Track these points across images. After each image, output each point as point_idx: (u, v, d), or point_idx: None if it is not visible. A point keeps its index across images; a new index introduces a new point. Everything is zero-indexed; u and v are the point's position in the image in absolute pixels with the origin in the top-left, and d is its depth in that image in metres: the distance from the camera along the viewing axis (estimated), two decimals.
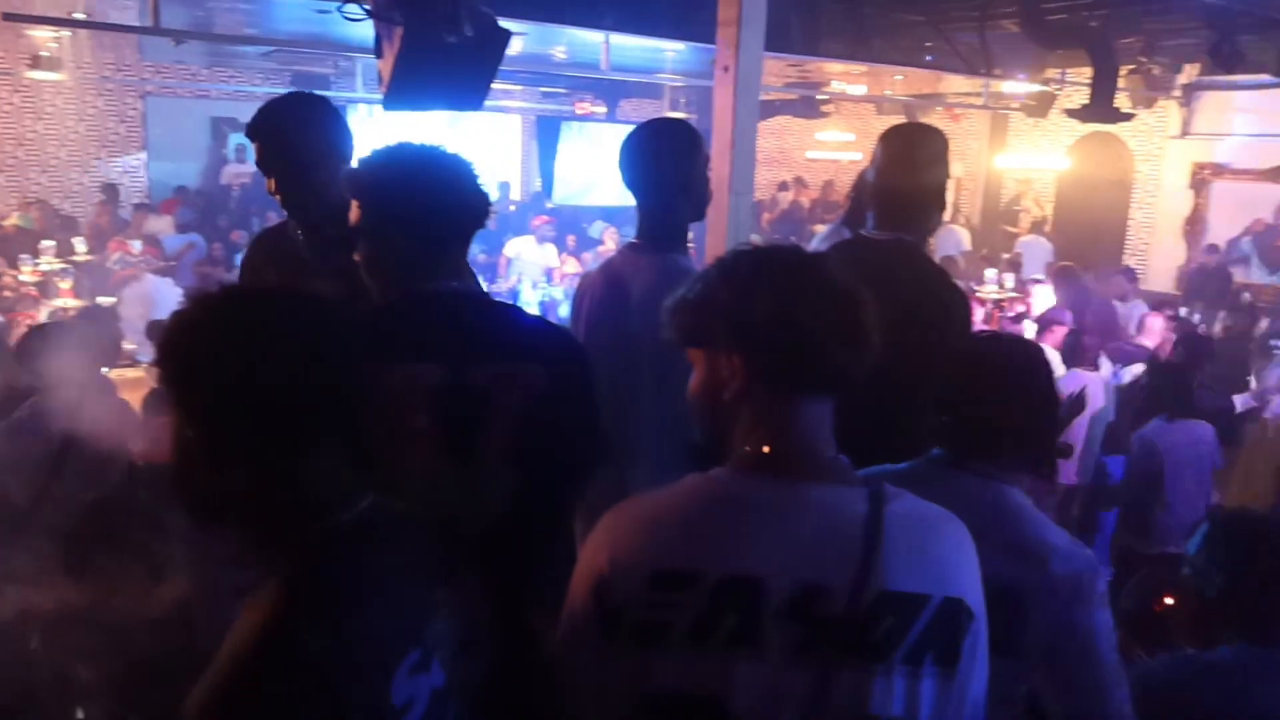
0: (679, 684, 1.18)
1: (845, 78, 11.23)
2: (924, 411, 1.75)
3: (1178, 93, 11.45)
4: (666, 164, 2.43)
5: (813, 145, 14.97)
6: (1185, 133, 11.86)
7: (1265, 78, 8.53)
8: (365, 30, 3.55)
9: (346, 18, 3.44)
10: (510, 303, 6.13)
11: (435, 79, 3.35)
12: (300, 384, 1.12)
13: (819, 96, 12.00)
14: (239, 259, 7.67)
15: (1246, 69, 7.62)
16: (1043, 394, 1.75)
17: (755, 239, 2.34)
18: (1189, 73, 11.07)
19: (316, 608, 1.11)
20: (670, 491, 1.28)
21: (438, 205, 1.73)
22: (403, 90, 3.35)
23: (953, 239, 11.65)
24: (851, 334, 1.22)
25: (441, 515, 1.66)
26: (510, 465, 1.72)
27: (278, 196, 2.41)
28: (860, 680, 1.16)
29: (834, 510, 1.21)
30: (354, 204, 1.79)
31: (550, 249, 9.85)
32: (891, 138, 2.47)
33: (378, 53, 3.47)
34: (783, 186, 14.96)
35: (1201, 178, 11.75)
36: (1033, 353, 1.82)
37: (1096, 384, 5.62)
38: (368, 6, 3.43)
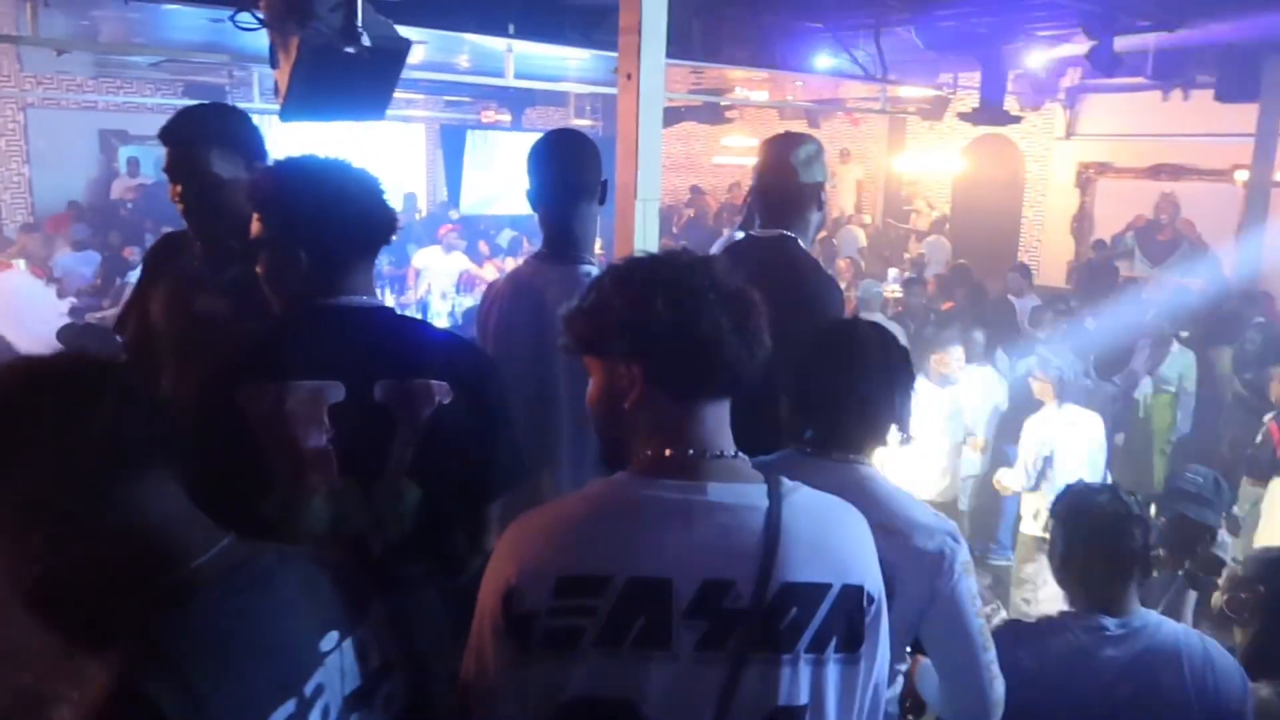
0: (591, 689, 1.19)
1: (748, 84, 11.40)
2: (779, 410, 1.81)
3: (1062, 96, 11.95)
4: (574, 173, 2.48)
5: (719, 151, 15.16)
6: (1070, 134, 12.39)
7: (1141, 80, 8.97)
8: (260, 39, 3.47)
9: (240, 27, 3.36)
10: (417, 318, 6.06)
11: (333, 89, 3.30)
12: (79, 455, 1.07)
13: (723, 103, 12.16)
14: (132, 276, 7.40)
15: (1125, 73, 8.00)
16: (897, 373, 1.81)
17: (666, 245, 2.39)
18: (1072, 76, 11.56)
19: (166, 667, 1.04)
20: (574, 498, 1.29)
21: (341, 219, 1.69)
22: (300, 101, 3.29)
23: (849, 239, 11.96)
24: (746, 336, 1.24)
25: (347, 537, 1.63)
26: (418, 482, 1.70)
27: (181, 205, 2.35)
28: (767, 672, 1.19)
29: (735, 507, 1.23)
30: (255, 216, 1.75)
31: (459, 257, 9.77)
32: (767, 144, 2.66)
33: (273, 63, 3.39)
34: (695, 191, 15.13)
35: (1087, 176, 12.29)
36: (885, 334, 1.88)
37: (992, 377, 5.83)
38: (261, 15, 3.35)
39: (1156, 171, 11.59)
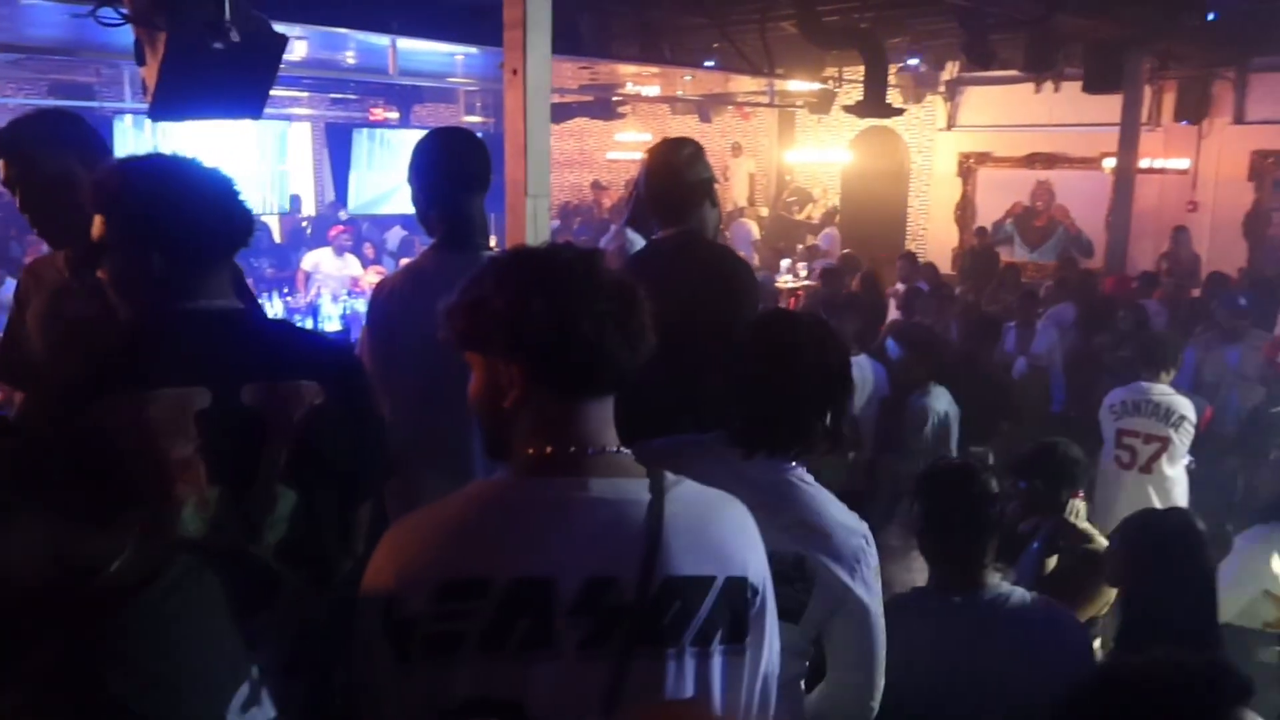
0: (477, 692, 1.17)
1: (638, 79, 11.44)
2: (714, 391, 1.81)
3: (942, 89, 12.35)
4: (467, 165, 2.53)
5: (612, 146, 15.17)
6: (951, 125, 12.82)
7: (1015, 73, 9.34)
8: (128, 35, 3.32)
9: (102, 23, 3.20)
10: (283, 319, 5.89)
11: (204, 87, 3.18)
12: None
13: (614, 98, 12.17)
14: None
15: (999, 65, 8.30)
16: (830, 371, 1.75)
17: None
18: (951, 70, 11.96)
19: (116, 659, 1.07)
20: (453, 500, 1.26)
21: (198, 219, 1.63)
22: (169, 99, 3.16)
23: (743, 231, 12.12)
24: (630, 334, 1.23)
25: (226, 543, 1.58)
26: (293, 486, 1.65)
27: (27, 215, 2.31)
28: (653, 667, 1.19)
29: (618, 503, 1.22)
30: (97, 217, 1.66)
31: (351, 260, 9.53)
32: (652, 152, 2.79)
33: (139, 59, 3.25)
34: (596, 186, 15.12)
35: (968, 166, 12.73)
36: (824, 332, 1.81)
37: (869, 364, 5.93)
38: (125, 11, 3.20)
39: (1032, 160, 12.09)
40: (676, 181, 2.64)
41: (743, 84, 11.34)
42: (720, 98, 12.16)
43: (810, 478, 1.74)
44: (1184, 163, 10.96)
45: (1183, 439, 4.40)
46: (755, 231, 12.57)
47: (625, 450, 1.28)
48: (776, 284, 7.92)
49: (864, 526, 1.73)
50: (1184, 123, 10.84)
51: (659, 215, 2.71)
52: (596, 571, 1.18)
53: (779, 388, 1.70)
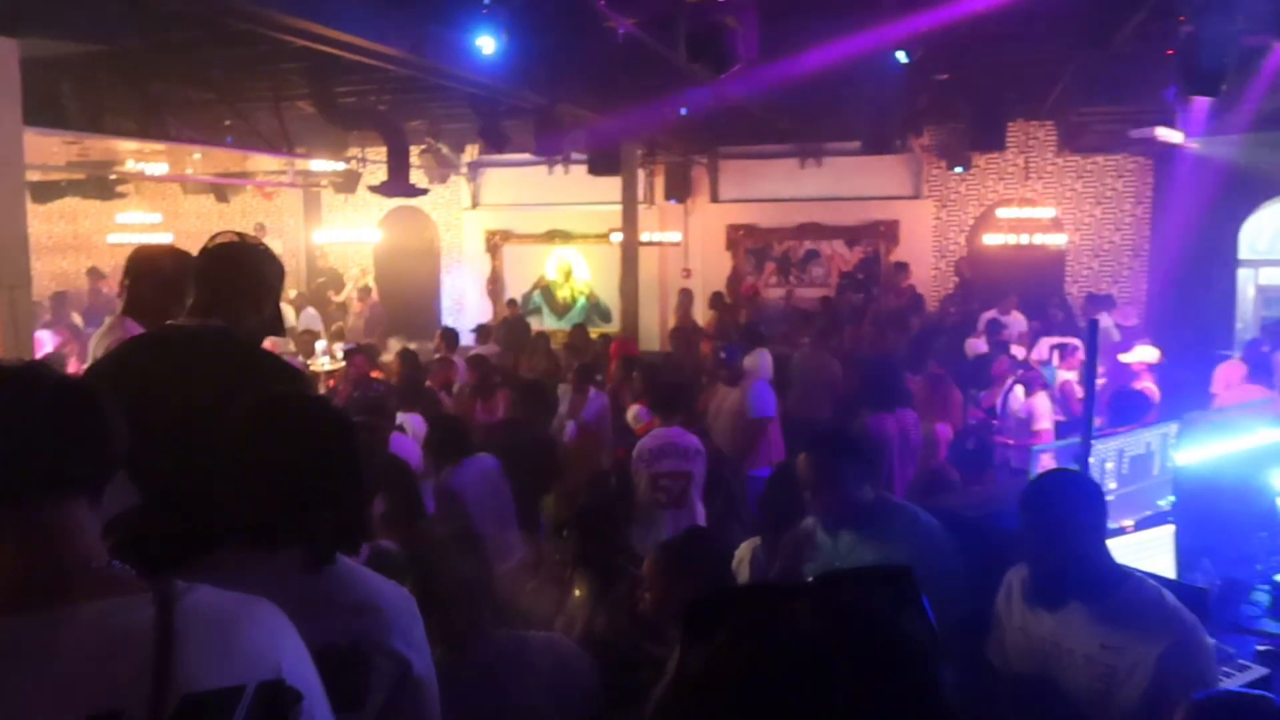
0: None
1: (142, 156, 10.52)
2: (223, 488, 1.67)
3: (464, 170, 12.93)
4: None
5: (114, 228, 13.74)
6: (476, 204, 13.45)
7: (528, 156, 10.06)
8: None
9: None
10: None
11: None
12: None
13: (112, 176, 11.07)
14: None
15: (514, 149, 8.89)
16: (332, 456, 1.62)
17: None
18: (471, 152, 12.57)
19: None
20: None
21: None
22: None
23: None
24: (78, 432, 1.16)
25: None
26: None
27: None
28: None
29: (112, 626, 1.11)
30: None
31: None
32: (202, 254, 2.44)
33: None
34: (94, 273, 13.45)
35: (494, 243, 13.43)
36: (317, 411, 1.70)
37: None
38: None
39: (551, 236, 13.09)
40: (229, 276, 2.36)
41: (263, 163, 10.93)
42: (239, 177, 11.59)
43: (348, 559, 1.68)
44: (676, 235, 12.62)
45: (701, 468, 4.94)
46: (290, 316, 12.06)
47: (118, 563, 1.17)
48: (313, 367, 7.64)
49: (410, 596, 1.72)
50: (673, 201, 12.45)
51: (193, 306, 2.48)
52: (97, 706, 1.06)
53: (279, 477, 1.57)
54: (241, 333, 2.41)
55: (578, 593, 3.35)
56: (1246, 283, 10.64)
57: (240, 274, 2.35)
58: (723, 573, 2.84)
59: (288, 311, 11.94)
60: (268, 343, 2.80)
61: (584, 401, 6.64)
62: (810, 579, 0.78)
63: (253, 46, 6.19)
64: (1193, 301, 9.87)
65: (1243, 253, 10.47)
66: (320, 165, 10.86)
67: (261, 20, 4.58)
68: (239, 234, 2.48)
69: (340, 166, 10.88)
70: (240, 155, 10.22)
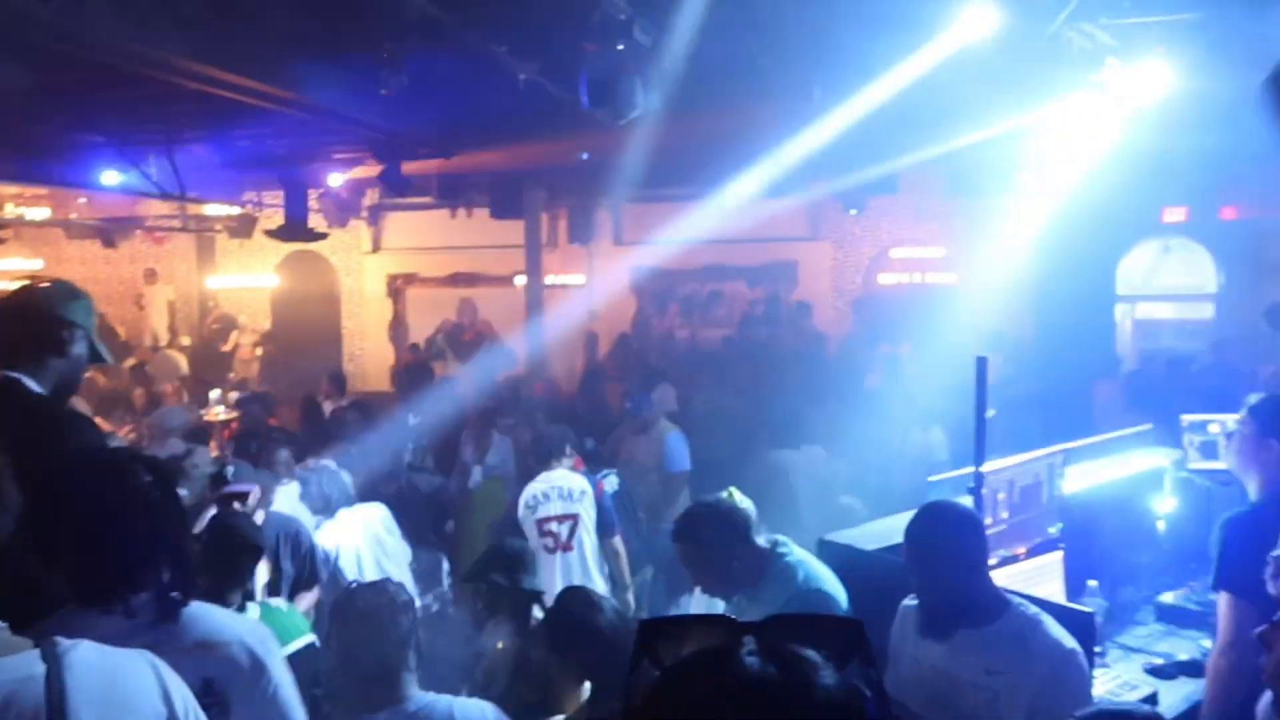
0: None
1: (22, 200, 10.10)
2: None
3: (365, 214, 12.78)
4: None
5: None
6: (377, 248, 13.30)
7: (430, 200, 10.02)
8: None
9: None
10: None
11: None
12: None
13: None
14: None
15: (415, 193, 8.84)
16: (145, 508, 1.62)
17: None
18: (372, 196, 12.44)
19: None
20: None
21: None
22: None
23: (168, 365, 11.21)
24: None
25: None
26: None
27: None
28: None
29: (5, 683, 1.11)
30: None
31: None
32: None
33: None
34: None
35: (396, 286, 13.28)
36: (128, 467, 1.68)
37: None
38: None
39: (455, 279, 13.00)
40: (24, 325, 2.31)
41: (154, 207, 10.59)
42: (126, 222, 11.22)
43: (197, 601, 1.69)
44: (580, 278, 12.66)
45: (589, 510, 4.92)
46: (183, 365, 11.66)
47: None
48: (206, 417, 7.41)
49: (262, 629, 1.75)
50: (577, 244, 12.51)
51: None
52: None
53: (108, 535, 1.56)
54: (49, 377, 2.33)
55: (500, 645, 3.31)
56: (1124, 316, 11.25)
57: (27, 320, 2.31)
58: (613, 628, 2.74)
59: (178, 359, 11.55)
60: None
61: (488, 446, 6.61)
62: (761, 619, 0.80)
63: (145, 88, 6.04)
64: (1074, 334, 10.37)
65: (1120, 288, 11.07)
66: (214, 209, 10.60)
67: (154, 63, 4.48)
68: (32, 277, 2.45)
69: (235, 211, 10.63)
70: (131, 200, 9.90)
